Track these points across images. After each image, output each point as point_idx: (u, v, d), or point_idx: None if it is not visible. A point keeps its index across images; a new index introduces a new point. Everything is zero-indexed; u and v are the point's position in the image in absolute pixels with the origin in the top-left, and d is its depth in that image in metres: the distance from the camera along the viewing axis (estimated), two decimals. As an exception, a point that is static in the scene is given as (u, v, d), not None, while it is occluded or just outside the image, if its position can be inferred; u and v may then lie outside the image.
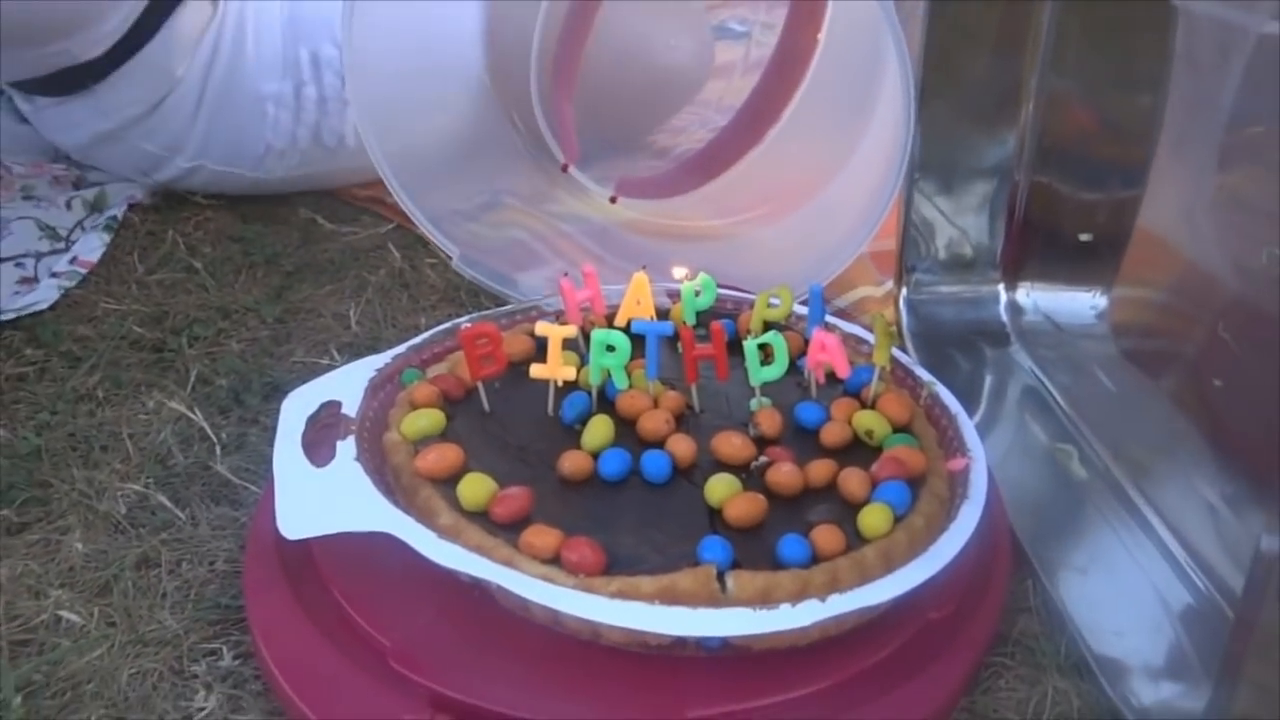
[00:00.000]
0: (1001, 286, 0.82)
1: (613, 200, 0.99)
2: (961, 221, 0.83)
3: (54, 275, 0.89)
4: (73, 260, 0.91)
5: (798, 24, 0.94)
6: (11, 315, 0.83)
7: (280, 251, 0.97)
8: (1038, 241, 0.81)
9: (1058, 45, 0.74)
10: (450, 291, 0.91)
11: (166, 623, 0.56)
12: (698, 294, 0.69)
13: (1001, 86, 0.78)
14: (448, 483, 0.55)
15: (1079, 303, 0.76)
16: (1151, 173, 0.69)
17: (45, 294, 0.86)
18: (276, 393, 0.76)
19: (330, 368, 0.76)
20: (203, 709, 0.51)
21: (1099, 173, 0.74)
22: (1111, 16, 0.70)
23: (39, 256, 0.93)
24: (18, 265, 0.92)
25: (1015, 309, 0.82)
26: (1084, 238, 0.74)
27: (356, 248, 0.99)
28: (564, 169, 0.98)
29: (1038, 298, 0.81)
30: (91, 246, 0.93)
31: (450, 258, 0.86)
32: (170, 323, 0.85)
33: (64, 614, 0.55)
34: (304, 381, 0.63)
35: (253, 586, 0.55)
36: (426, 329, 0.71)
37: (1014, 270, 0.82)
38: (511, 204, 0.99)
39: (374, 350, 0.69)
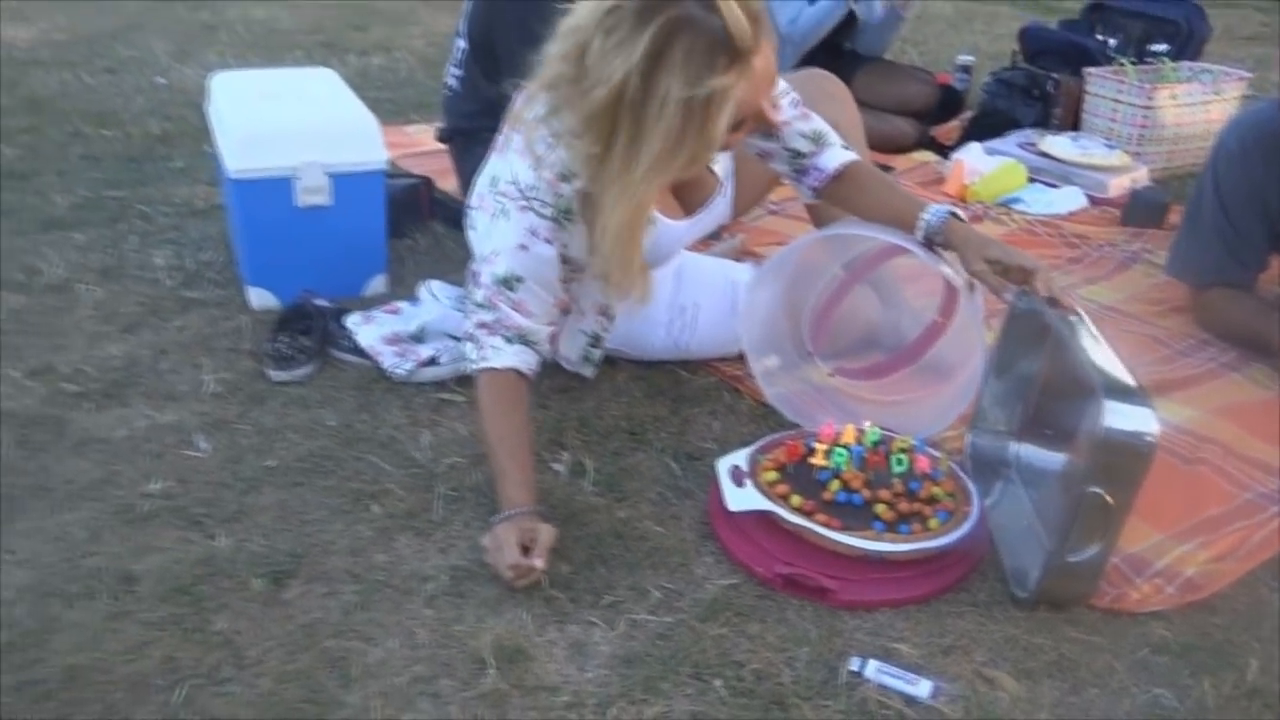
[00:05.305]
0: (1011, 441, 1.80)
1: (830, 375, 2.02)
2: (999, 406, 1.82)
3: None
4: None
5: (943, 310, 1.97)
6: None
7: (662, 389, 2.02)
8: (1036, 422, 1.79)
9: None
10: (754, 415, 1.94)
11: (685, 535, 1.60)
12: (872, 433, 1.71)
13: (1026, 349, 1.77)
14: (784, 499, 1.57)
15: (1052, 455, 1.73)
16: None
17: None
18: (690, 459, 1.80)
19: (710, 449, 1.81)
20: (701, 567, 1.55)
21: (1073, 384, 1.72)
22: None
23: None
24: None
25: (1018, 454, 1.80)
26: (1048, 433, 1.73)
27: (701, 387, 2.03)
28: (809, 354, 2.02)
29: (1027, 449, 1.78)
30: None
31: (766, 398, 1.91)
32: (631, 421, 1.90)
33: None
34: (702, 454, 1.70)
35: (719, 524, 1.60)
36: (752, 436, 1.76)
37: (1019, 434, 1.80)
38: (780, 373, 2.03)
39: (727, 443, 1.75)
